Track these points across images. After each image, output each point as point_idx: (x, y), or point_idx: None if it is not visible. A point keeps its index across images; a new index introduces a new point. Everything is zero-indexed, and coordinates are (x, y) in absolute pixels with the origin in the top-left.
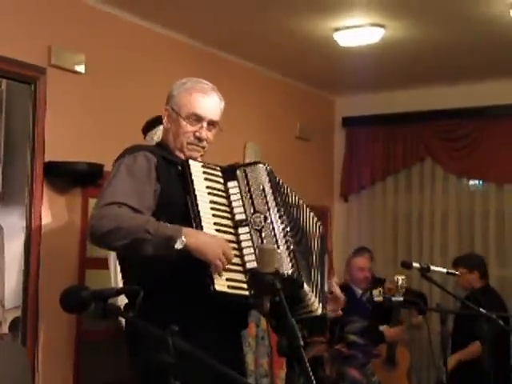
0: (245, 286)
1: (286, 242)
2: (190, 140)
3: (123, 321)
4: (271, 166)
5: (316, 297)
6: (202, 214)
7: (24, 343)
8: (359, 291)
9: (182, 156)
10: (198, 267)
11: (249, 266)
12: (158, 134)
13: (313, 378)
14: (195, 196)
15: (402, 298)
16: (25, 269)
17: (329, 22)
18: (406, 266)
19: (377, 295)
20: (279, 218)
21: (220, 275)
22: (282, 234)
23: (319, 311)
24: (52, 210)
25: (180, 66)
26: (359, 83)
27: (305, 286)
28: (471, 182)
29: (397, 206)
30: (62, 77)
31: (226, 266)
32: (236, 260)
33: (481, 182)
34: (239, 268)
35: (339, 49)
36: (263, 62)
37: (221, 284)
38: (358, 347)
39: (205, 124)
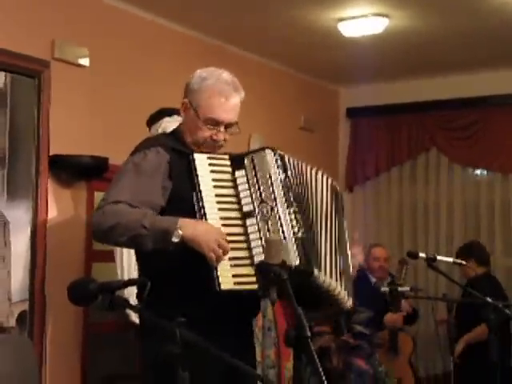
0: (253, 279)
1: (293, 231)
2: (206, 141)
3: (131, 313)
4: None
5: (337, 281)
6: (207, 210)
7: (31, 336)
8: (373, 279)
9: (195, 149)
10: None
11: (257, 258)
12: (162, 126)
13: (320, 368)
14: (200, 191)
15: (408, 288)
16: (31, 262)
17: (332, 12)
18: (413, 256)
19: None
20: (286, 206)
21: (217, 265)
22: (288, 224)
23: (349, 303)
24: (57, 204)
25: (184, 58)
26: (363, 74)
27: (315, 272)
28: (476, 172)
29: (402, 196)
30: (65, 70)
31: (233, 262)
32: (244, 253)
33: (486, 172)
34: (247, 261)
35: (343, 39)
36: (267, 54)
37: (226, 282)
38: (364, 337)
39: (222, 128)
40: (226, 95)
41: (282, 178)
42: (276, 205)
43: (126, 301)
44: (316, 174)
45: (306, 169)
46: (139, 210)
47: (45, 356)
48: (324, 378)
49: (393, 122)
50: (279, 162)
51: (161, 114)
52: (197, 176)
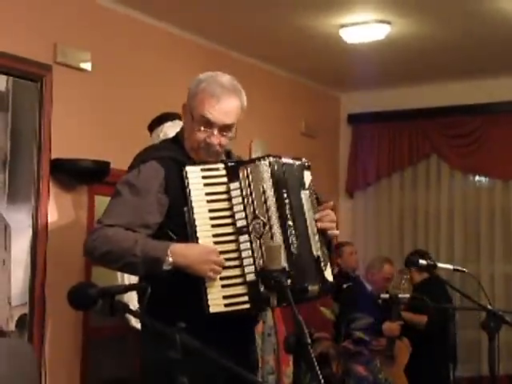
0: (245, 298)
1: (286, 248)
2: (201, 145)
3: (131, 318)
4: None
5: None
6: (199, 227)
7: (31, 340)
8: (369, 287)
9: (193, 154)
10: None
11: (249, 277)
12: (163, 131)
13: (320, 375)
14: (192, 208)
15: (408, 295)
16: (31, 266)
17: (335, 18)
18: (413, 263)
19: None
20: (279, 222)
21: (215, 282)
22: (281, 240)
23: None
24: (58, 208)
25: (186, 63)
26: (365, 80)
27: (309, 289)
28: (477, 179)
29: (402, 202)
30: (67, 74)
31: (224, 282)
32: (236, 272)
33: (486, 179)
34: (239, 280)
35: (345, 45)
36: (269, 59)
37: (216, 304)
38: (364, 344)
39: (216, 131)
40: (218, 97)
41: (277, 189)
42: (269, 221)
43: (126, 306)
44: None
45: (303, 182)
46: (132, 234)
47: (44, 360)
48: None
49: (394, 128)
50: (275, 171)
51: (162, 119)
52: (189, 190)
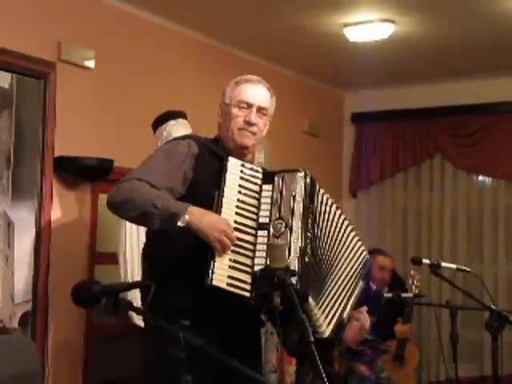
0: (247, 287)
1: (301, 252)
2: (240, 125)
3: (133, 315)
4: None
5: (324, 316)
6: (224, 209)
7: (34, 338)
8: (374, 287)
9: (233, 146)
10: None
11: (256, 269)
12: (167, 129)
13: (323, 373)
14: (223, 192)
15: (411, 295)
16: (35, 263)
17: (339, 17)
18: (417, 262)
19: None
20: (301, 227)
21: (221, 256)
22: (298, 244)
23: (325, 333)
24: (62, 205)
25: (189, 61)
26: (369, 79)
27: (310, 300)
28: (480, 178)
29: (406, 202)
30: (71, 72)
31: (233, 264)
32: (246, 260)
33: (490, 178)
34: (247, 269)
35: (349, 44)
36: (273, 58)
37: (219, 279)
38: (367, 343)
39: (254, 109)
40: (255, 83)
41: (306, 202)
42: (291, 224)
43: (130, 303)
44: (341, 218)
45: (332, 205)
46: (156, 190)
47: (47, 358)
48: (326, 383)
49: (398, 127)
50: (308, 186)
51: (166, 117)
52: (225, 177)
